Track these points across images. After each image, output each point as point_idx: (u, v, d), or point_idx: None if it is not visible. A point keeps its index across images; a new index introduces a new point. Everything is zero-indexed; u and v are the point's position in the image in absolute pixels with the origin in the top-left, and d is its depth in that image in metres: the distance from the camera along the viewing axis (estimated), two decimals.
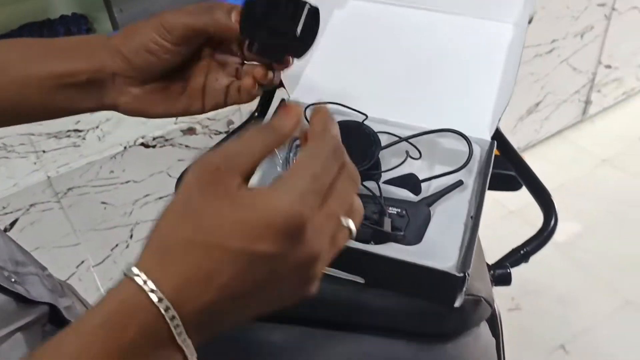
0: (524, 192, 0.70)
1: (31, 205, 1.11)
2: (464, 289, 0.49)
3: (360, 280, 0.53)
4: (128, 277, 0.31)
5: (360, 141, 0.57)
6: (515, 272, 0.62)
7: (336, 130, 0.37)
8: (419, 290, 0.51)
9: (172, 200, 0.34)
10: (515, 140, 1.93)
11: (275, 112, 0.61)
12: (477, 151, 0.58)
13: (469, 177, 0.57)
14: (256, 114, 0.66)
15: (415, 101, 0.61)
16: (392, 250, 0.50)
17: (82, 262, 1.24)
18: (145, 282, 0.31)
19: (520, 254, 0.62)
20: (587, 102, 2.04)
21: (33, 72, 0.49)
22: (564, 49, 1.79)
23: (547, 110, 1.94)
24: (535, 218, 0.66)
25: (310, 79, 0.61)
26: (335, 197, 0.35)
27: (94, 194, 1.17)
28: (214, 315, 0.33)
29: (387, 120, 0.60)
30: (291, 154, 0.57)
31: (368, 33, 0.66)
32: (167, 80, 0.51)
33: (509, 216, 1.82)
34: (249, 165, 0.34)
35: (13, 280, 0.48)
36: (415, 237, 0.51)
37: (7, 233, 1.10)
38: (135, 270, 0.31)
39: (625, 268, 1.69)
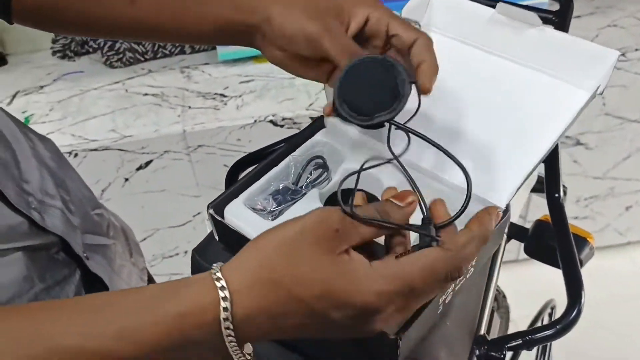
0: None
1: (165, 152, 1.25)
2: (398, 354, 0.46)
3: None
4: (210, 277, 0.37)
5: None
6: None
7: (474, 248, 0.40)
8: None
9: (285, 229, 0.39)
10: None
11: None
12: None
13: None
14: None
15: (452, 144, 0.57)
16: None
17: (199, 213, 1.36)
18: (224, 298, 0.36)
19: (525, 340, 0.56)
20: None
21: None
22: None
23: None
24: None
25: None
26: (420, 299, 0.40)
27: (219, 155, 1.27)
28: (261, 338, 0.39)
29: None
30: (301, 172, 0.57)
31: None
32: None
33: None
34: (358, 241, 0.39)
35: (33, 206, 0.52)
36: None
37: (142, 170, 1.26)
38: (219, 275, 0.37)
39: None
